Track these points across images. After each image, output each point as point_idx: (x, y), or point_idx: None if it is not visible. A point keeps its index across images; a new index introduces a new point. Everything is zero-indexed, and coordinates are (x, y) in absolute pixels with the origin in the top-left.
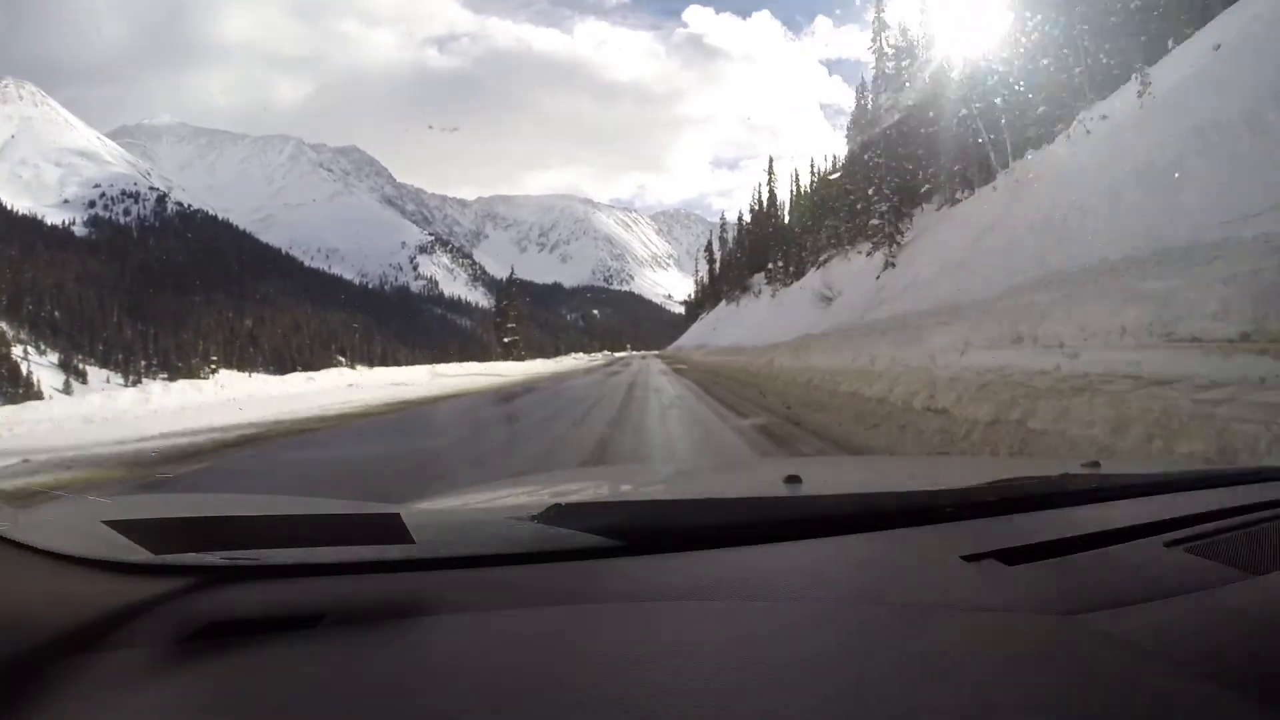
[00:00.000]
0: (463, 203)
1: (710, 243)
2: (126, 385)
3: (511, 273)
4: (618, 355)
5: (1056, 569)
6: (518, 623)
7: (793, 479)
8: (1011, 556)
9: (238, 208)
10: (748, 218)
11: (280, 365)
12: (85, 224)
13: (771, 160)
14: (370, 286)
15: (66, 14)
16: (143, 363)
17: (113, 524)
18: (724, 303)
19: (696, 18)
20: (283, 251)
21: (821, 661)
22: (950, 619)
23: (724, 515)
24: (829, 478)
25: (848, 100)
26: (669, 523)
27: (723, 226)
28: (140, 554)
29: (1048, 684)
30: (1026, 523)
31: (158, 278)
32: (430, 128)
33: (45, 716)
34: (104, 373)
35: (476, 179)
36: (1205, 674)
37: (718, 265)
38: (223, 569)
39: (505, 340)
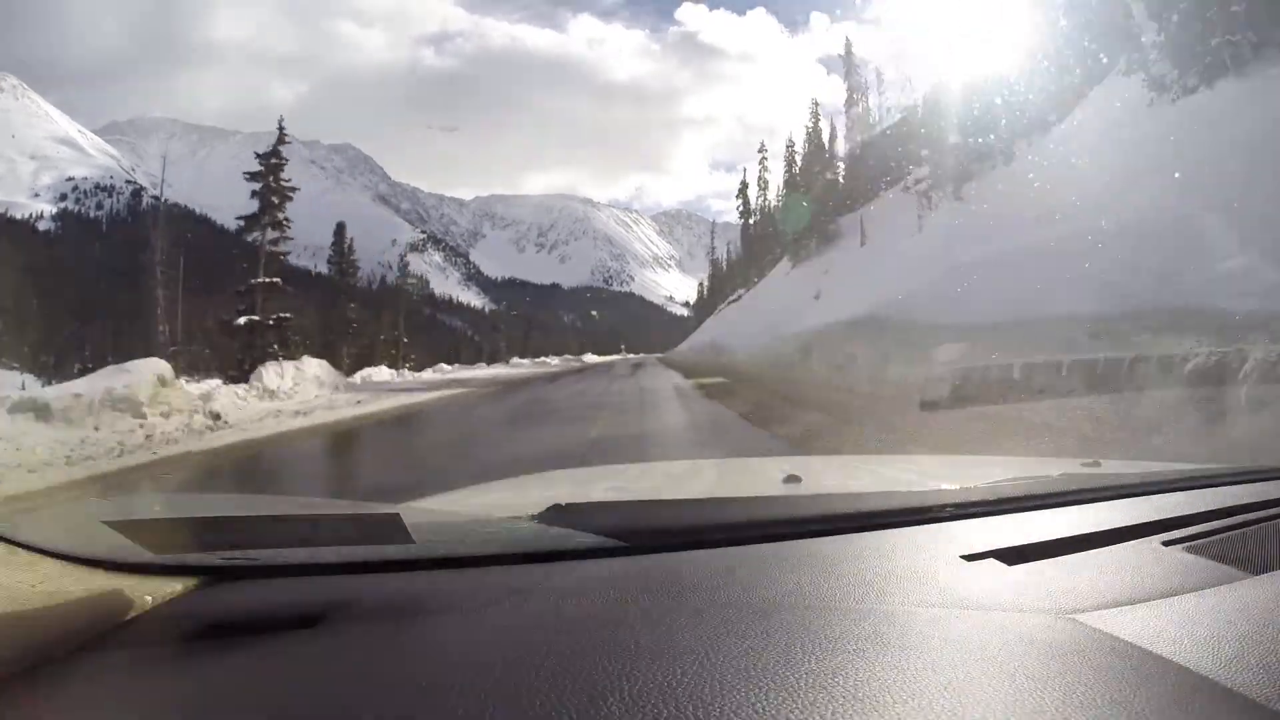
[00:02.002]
0: (460, 202)
1: (744, 182)
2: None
3: (279, 129)
4: (593, 362)
5: (1056, 569)
6: (518, 622)
7: (792, 479)
8: (1011, 556)
9: (226, 204)
10: (801, 147)
11: (240, 369)
12: (54, 218)
13: (849, 42)
14: (357, 285)
15: (60, 14)
16: (76, 365)
17: (113, 524)
18: (786, 262)
19: (691, 16)
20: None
21: (822, 661)
22: (950, 619)
23: (724, 515)
24: (829, 477)
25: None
26: (669, 523)
27: (762, 160)
28: (140, 554)
29: (1048, 684)
30: (1026, 523)
31: (119, 274)
32: (429, 127)
33: (45, 716)
34: (21, 377)
35: (474, 180)
36: (1205, 674)
37: (754, 220)
38: (223, 569)
39: (242, 322)
